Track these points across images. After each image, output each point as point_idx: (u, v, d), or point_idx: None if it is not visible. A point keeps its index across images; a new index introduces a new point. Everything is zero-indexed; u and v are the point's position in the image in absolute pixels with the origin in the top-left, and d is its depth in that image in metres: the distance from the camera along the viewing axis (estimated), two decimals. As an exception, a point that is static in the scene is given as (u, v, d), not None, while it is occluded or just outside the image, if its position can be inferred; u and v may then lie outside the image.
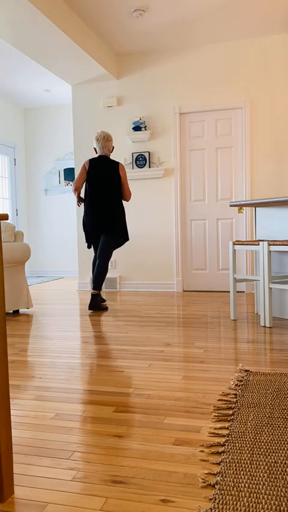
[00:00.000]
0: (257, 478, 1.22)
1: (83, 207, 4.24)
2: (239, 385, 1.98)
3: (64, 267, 7.60)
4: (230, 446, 1.41)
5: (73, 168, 7.39)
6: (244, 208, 5.19)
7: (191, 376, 2.16)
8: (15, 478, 1.28)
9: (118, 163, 4.15)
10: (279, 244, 3.09)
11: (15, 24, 3.97)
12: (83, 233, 5.71)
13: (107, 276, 5.61)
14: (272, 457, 1.34)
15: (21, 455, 1.42)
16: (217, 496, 1.14)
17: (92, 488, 1.22)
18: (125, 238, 4.23)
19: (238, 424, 1.57)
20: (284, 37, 4.97)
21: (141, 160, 5.42)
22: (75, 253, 7.52)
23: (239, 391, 1.91)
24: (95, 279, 4.08)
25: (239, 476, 1.23)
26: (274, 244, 3.13)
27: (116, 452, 1.41)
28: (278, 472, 1.25)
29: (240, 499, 1.13)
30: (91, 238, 4.21)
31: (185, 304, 4.40)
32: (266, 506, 1.10)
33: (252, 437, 1.47)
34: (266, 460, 1.32)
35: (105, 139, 4.17)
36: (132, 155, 5.45)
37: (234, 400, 1.81)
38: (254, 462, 1.31)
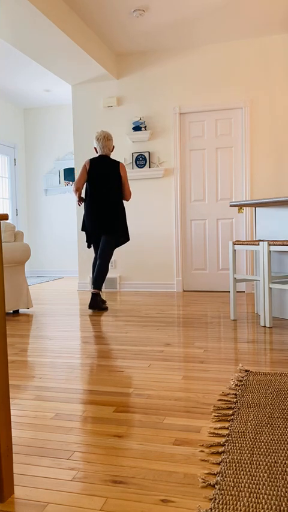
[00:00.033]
0: (257, 478, 1.22)
1: (83, 206, 4.23)
2: (239, 385, 1.98)
3: (64, 267, 7.60)
4: (230, 446, 1.41)
5: (73, 168, 7.39)
6: (244, 208, 5.19)
7: (191, 376, 2.16)
8: (15, 478, 1.28)
9: (119, 162, 4.15)
10: (279, 244, 3.09)
11: (15, 24, 3.97)
12: (83, 233, 5.71)
13: (107, 276, 5.61)
14: (272, 457, 1.34)
15: (21, 455, 1.42)
16: (217, 496, 1.14)
17: (92, 488, 1.22)
18: (126, 238, 4.22)
19: (238, 424, 1.57)
20: (284, 37, 4.97)
21: (141, 160, 5.42)
22: (75, 253, 7.52)
23: (239, 391, 1.91)
24: (95, 279, 4.08)
25: (239, 476, 1.23)
26: (274, 244, 3.13)
27: (116, 452, 1.41)
28: (278, 472, 1.25)
29: (240, 499, 1.13)
30: (91, 238, 4.20)
31: (185, 304, 4.40)
32: (266, 506, 1.10)
33: (252, 437, 1.47)
34: (266, 460, 1.32)
35: (105, 139, 4.17)
36: (132, 155, 5.44)
37: (234, 400, 1.81)
38: (254, 462, 1.31)
